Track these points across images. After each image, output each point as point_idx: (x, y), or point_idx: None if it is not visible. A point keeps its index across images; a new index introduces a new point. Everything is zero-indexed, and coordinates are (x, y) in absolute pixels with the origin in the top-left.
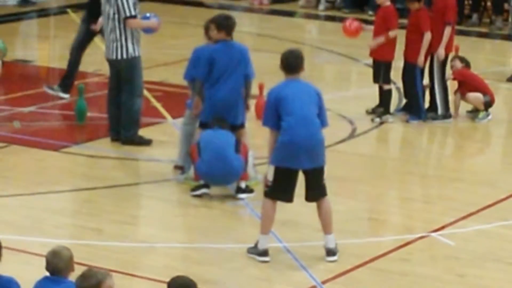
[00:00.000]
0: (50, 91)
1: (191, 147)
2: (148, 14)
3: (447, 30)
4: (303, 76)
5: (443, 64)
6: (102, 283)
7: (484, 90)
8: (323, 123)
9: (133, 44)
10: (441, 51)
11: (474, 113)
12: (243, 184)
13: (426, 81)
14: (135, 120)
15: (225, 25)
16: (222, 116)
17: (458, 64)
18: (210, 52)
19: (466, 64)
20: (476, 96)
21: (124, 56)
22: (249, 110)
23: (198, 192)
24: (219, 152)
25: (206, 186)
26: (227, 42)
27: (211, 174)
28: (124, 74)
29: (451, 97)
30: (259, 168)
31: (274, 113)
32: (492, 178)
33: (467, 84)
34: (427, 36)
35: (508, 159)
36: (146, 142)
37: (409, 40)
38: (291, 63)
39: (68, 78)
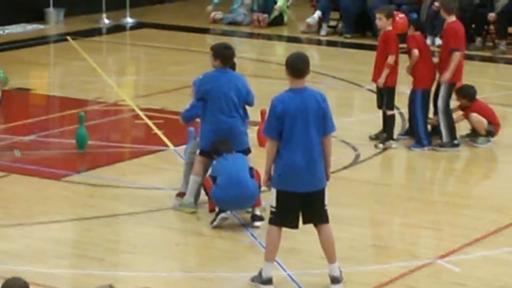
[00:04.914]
0: None
1: (204, 180)
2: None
3: (453, 56)
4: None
5: (448, 92)
6: None
7: (492, 120)
8: (329, 129)
9: None
10: (445, 76)
11: (472, 137)
12: (258, 211)
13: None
14: None
15: (220, 54)
16: (225, 139)
17: (465, 103)
18: (204, 80)
19: (469, 97)
20: (480, 120)
21: None
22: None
23: (216, 222)
24: (235, 176)
25: (221, 211)
26: (223, 70)
27: (227, 198)
28: None
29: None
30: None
31: (279, 124)
32: (498, 204)
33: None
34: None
35: None
36: None
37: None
38: (298, 67)
39: None
